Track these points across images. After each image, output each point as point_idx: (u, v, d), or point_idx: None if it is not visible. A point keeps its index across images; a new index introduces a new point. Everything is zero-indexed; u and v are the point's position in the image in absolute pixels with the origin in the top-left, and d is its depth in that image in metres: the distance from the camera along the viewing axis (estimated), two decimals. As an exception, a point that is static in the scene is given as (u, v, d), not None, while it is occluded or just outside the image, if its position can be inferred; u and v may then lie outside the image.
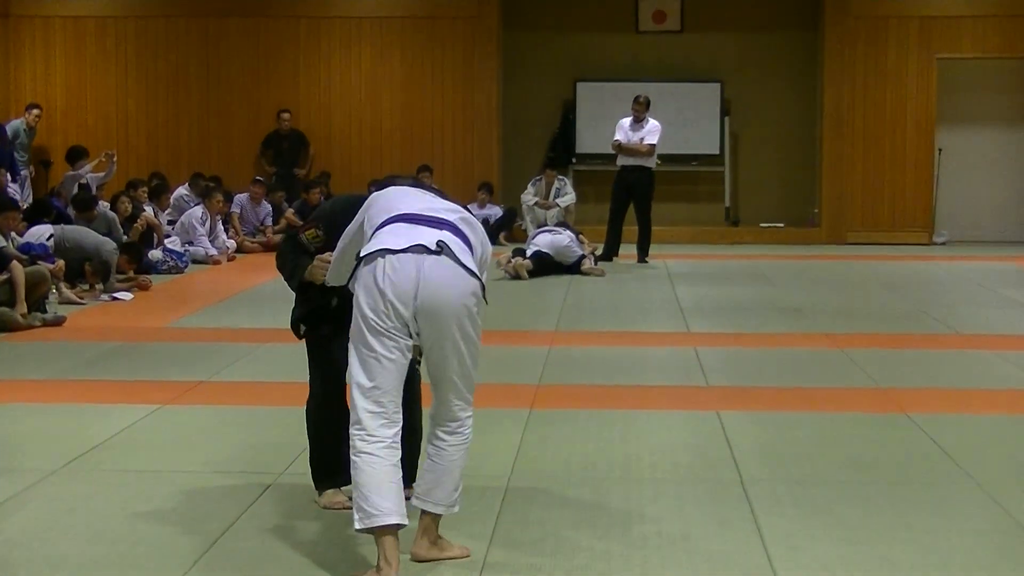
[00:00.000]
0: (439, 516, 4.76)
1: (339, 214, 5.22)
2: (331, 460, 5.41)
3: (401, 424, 4.62)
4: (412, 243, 4.53)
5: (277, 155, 19.53)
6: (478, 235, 4.79)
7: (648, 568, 4.75)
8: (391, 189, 4.90)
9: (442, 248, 4.54)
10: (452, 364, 4.60)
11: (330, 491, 5.51)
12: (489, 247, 4.87)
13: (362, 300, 4.55)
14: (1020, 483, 5.98)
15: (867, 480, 6.02)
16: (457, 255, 4.56)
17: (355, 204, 5.01)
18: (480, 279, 4.63)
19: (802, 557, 4.85)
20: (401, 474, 4.59)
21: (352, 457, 4.55)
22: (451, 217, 4.72)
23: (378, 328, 4.51)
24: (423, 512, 4.75)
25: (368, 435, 4.53)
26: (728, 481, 5.98)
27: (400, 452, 4.60)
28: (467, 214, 4.84)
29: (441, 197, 4.91)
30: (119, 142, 19.15)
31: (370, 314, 4.52)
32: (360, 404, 4.54)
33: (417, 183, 5.02)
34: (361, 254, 4.62)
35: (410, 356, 4.63)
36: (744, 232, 19.99)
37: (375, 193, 4.92)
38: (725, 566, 4.76)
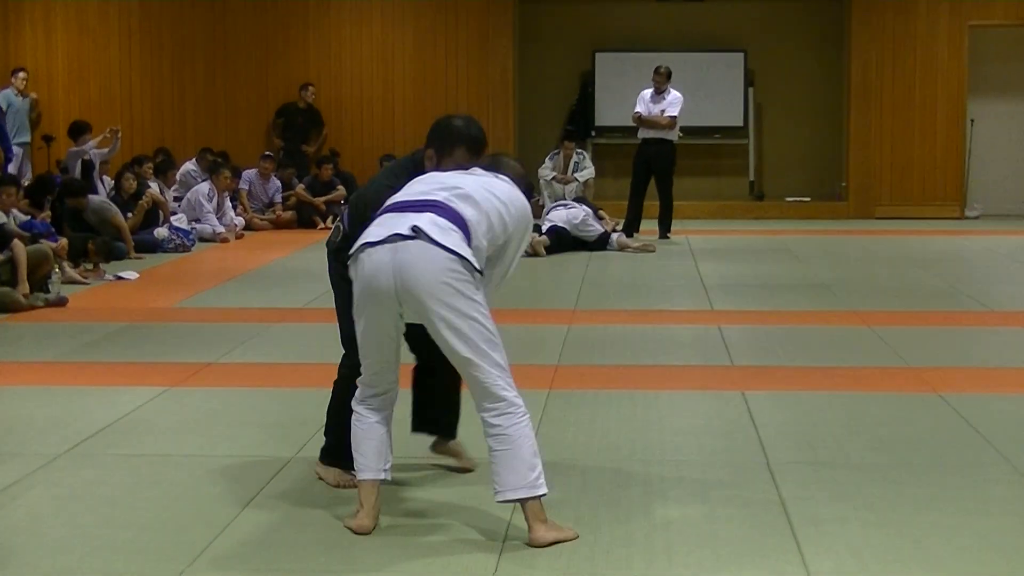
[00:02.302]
0: (532, 500, 4.77)
1: (391, 178, 5.41)
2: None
3: (391, 392, 5.01)
4: (389, 233, 4.77)
5: (288, 128, 19.51)
6: (486, 206, 4.89)
7: (672, 552, 4.74)
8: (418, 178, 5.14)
9: (417, 232, 4.73)
10: (455, 344, 4.73)
11: (338, 471, 5.54)
12: (514, 213, 4.99)
13: (354, 290, 4.91)
14: (1057, 464, 5.97)
15: (898, 463, 6.01)
16: (433, 236, 4.71)
17: (407, 167, 5.39)
18: (459, 254, 4.70)
19: (830, 541, 4.84)
20: (383, 432, 4.99)
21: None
22: (441, 196, 4.87)
23: (369, 313, 4.87)
24: (517, 501, 4.80)
25: (359, 397, 5.04)
26: (754, 463, 5.97)
27: (385, 415, 5.02)
28: (469, 188, 4.93)
29: (479, 170, 5.14)
30: (123, 117, 19.18)
31: (359, 300, 4.88)
32: (362, 371, 5.03)
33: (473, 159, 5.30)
34: (349, 251, 4.94)
35: (401, 330, 4.93)
36: (769, 207, 19.94)
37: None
38: (751, 551, 4.76)
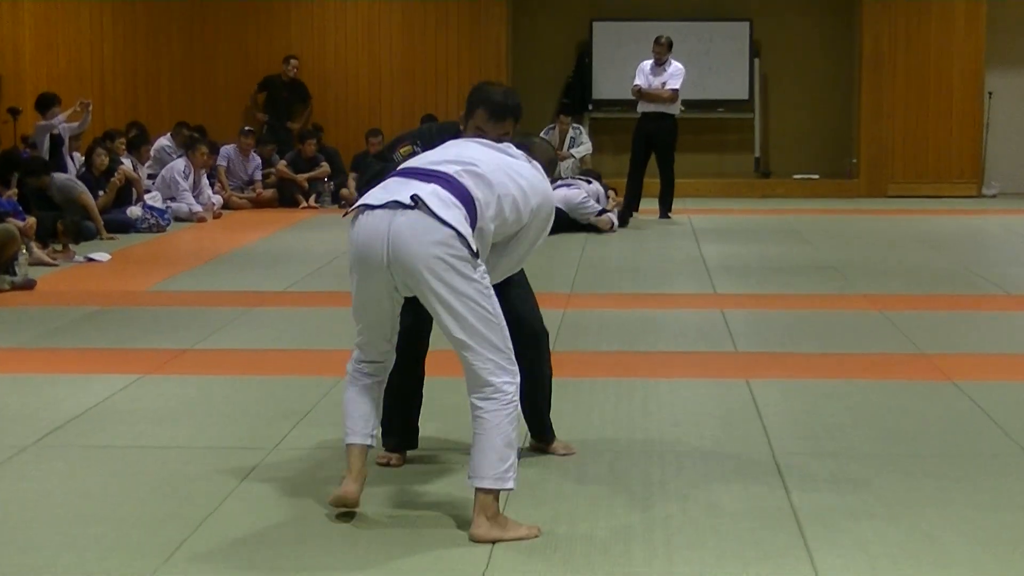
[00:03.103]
0: (493, 492, 4.79)
1: (436, 135, 5.49)
2: (387, 420, 5.65)
3: (385, 361, 5.10)
4: (389, 199, 4.80)
5: (271, 102, 19.48)
6: (500, 189, 4.89)
7: (672, 547, 4.76)
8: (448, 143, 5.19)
9: (416, 202, 4.75)
10: (448, 322, 4.76)
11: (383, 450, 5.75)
12: (533, 204, 5.02)
13: (349, 251, 4.95)
14: (1076, 456, 5.99)
15: (909, 453, 6.03)
16: (433, 207, 4.72)
17: (450, 129, 5.45)
18: (457, 230, 4.70)
19: (839, 536, 4.86)
20: (372, 397, 5.10)
21: None
22: (452, 169, 4.87)
23: (360, 277, 4.92)
24: (476, 489, 4.81)
25: (352, 360, 5.13)
26: (758, 455, 5.99)
27: (378, 380, 5.11)
28: (486, 166, 4.92)
29: (513, 148, 5.15)
30: (94, 89, 19.13)
31: (352, 262, 4.93)
32: (356, 334, 5.11)
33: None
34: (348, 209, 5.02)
35: (397, 301, 4.96)
36: (775, 184, 19.96)
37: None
38: (755, 546, 4.77)
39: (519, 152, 5.15)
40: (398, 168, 5.05)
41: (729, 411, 6.81)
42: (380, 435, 5.57)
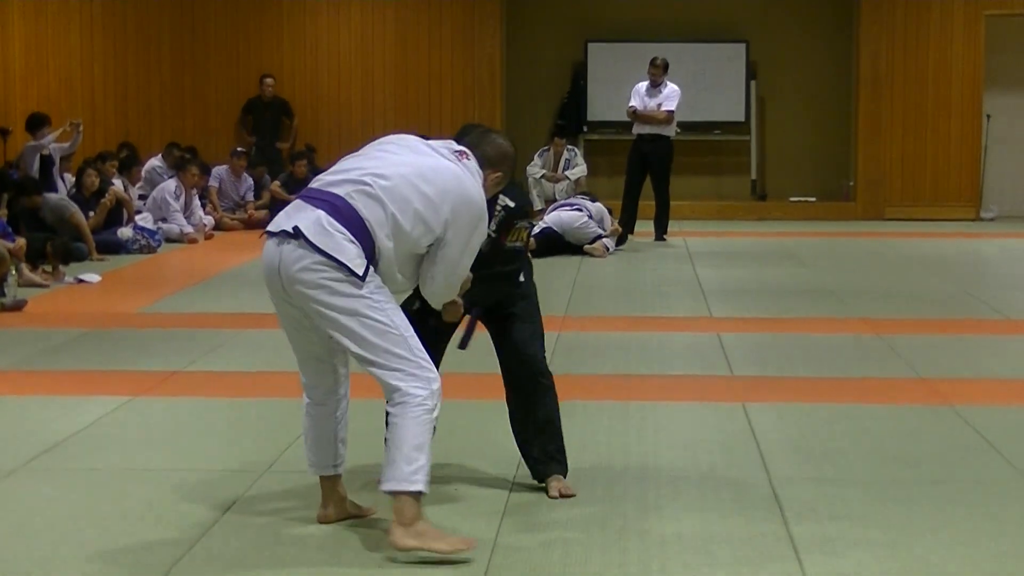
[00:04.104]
0: (405, 496, 4.78)
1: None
2: None
3: (327, 387, 5.15)
4: (280, 228, 4.93)
5: (257, 124, 19.53)
6: (398, 204, 4.85)
7: (667, 574, 4.75)
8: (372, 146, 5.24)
9: (297, 233, 4.85)
10: (344, 341, 4.87)
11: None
12: (447, 213, 4.92)
13: None
14: (1076, 482, 5.98)
15: (908, 479, 6.02)
16: (311, 238, 4.81)
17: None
18: (335, 258, 4.76)
19: (836, 563, 4.85)
20: (328, 428, 5.16)
21: None
22: (343, 190, 4.91)
23: (273, 301, 5.06)
24: (392, 496, 4.84)
25: (304, 393, 5.22)
26: (755, 480, 5.98)
27: (330, 410, 5.16)
28: (389, 180, 4.91)
29: (433, 149, 5.12)
30: (84, 109, 19.13)
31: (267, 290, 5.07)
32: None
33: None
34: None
35: (321, 333, 4.99)
36: (772, 207, 19.98)
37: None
38: (751, 573, 4.76)
39: (451, 152, 5.09)
40: (306, 188, 5.13)
41: (725, 435, 6.80)
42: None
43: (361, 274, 4.79)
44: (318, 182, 5.06)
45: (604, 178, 19.24)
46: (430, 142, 5.13)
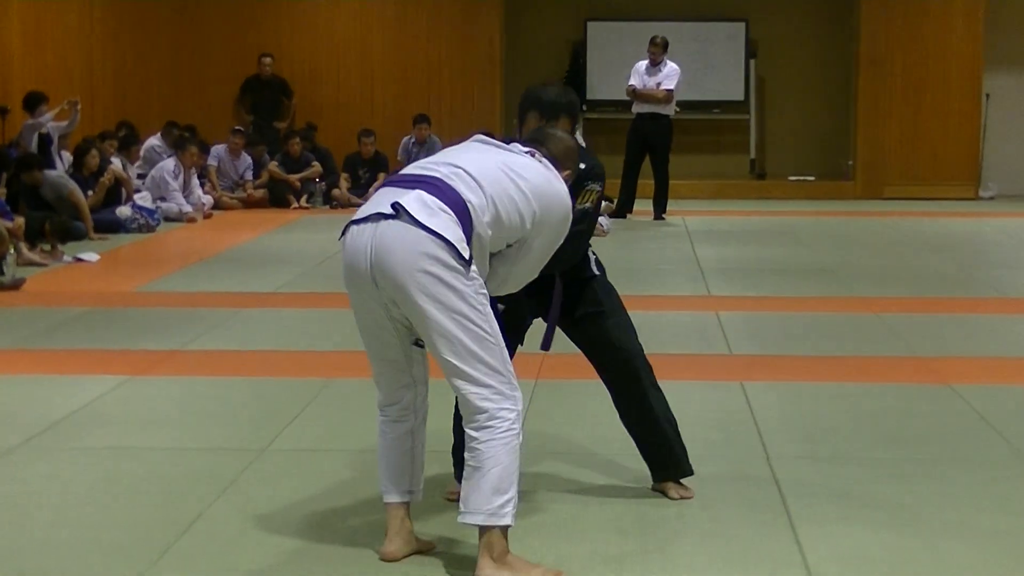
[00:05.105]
0: (493, 530, 4.38)
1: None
2: (457, 450, 5.19)
3: (402, 402, 4.65)
4: (373, 211, 4.46)
5: (256, 104, 19.49)
6: (494, 189, 4.46)
7: (666, 554, 4.75)
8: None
9: (397, 211, 4.39)
10: (438, 342, 4.38)
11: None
12: (538, 209, 4.54)
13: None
14: (1074, 460, 5.99)
15: (906, 457, 6.02)
16: (415, 214, 4.36)
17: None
18: (444, 237, 4.31)
19: (835, 543, 4.85)
20: (404, 450, 4.67)
21: None
22: (440, 172, 4.51)
23: (353, 299, 4.57)
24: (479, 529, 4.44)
25: (377, 403, 4.72)
26: (753, 458, 5.98)
27: (407, 427, 4.67)
28: (482, 167, 4.51)
29: (518, 146, 4.74)
30: (83, 88, 19.08)
31: (345, 283, 4.57)
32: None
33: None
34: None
35: (400, 327, 4.54)
36: (771, 186, 19.97)
37: None
38: (749, 552, 4.76)
39: (524, 151, 4.71)
40: (387, 177, 4.77)
41: (723, 414, 6.80)
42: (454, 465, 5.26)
43: (468, 257, 4.34)
44: (406, 169, 4.67)
45: (603, 157, 18.98)
46: (501, 143, 4.75)
